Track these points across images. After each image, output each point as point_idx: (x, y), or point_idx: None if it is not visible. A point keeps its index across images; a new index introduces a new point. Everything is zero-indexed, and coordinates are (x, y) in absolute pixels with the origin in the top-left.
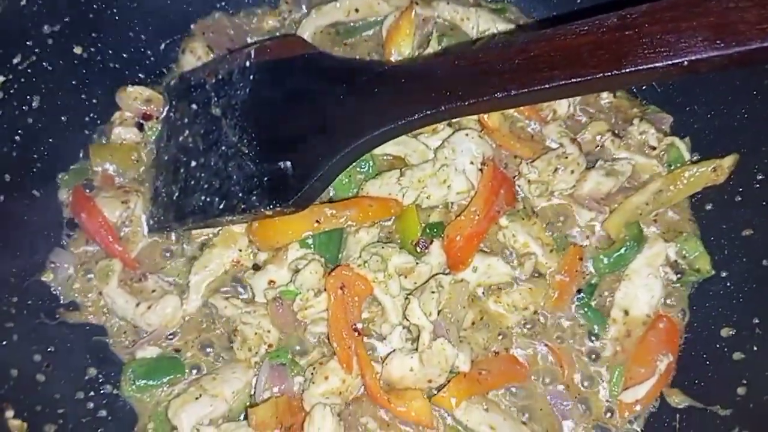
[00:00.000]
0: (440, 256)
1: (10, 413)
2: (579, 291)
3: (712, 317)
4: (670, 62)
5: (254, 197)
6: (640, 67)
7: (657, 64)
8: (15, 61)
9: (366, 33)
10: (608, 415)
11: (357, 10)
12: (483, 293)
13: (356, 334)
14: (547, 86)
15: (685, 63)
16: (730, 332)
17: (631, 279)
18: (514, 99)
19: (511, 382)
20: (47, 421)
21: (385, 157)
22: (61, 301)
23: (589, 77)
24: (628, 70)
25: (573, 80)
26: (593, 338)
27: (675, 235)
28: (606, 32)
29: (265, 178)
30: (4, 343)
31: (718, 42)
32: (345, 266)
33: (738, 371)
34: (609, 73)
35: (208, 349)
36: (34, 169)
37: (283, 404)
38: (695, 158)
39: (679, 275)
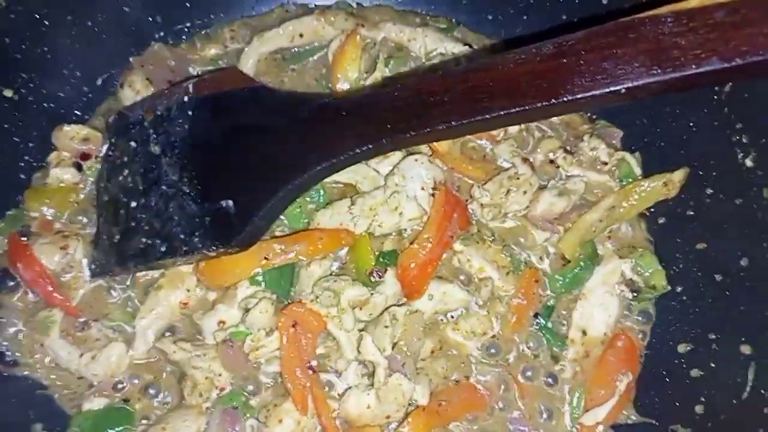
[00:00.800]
0: (395, 286)
1: None
2: (536, 315)
3: (670, 333)
4: (607, 90)
5: (197, 238)
6: (578, 96)
7: (595, 92)
8: None
9: (312, 58)
10: None
11: (301, 35)
12: (441, 319)
13: (311, 372)
14: (487, 116)
15: (623, 90)
16: (688, 348)
17: (588, 298)
18: (455, 129)
19: (471, 412)
20: None
21: (335, 185)
22: (6, 357)
23: (527, 107)
24: (566, 99)
25: (512, 110)
26: (552, 360)
27: (630, 251)
28: (543, 60)
29: (207, 219)
30: None
31: (654, 68)
32: (297, 303)
33: (696, 389)
34: (548, 103)
35: (158, 396)
36: None
37: None
38: (646, 173)
39: (635, 293)
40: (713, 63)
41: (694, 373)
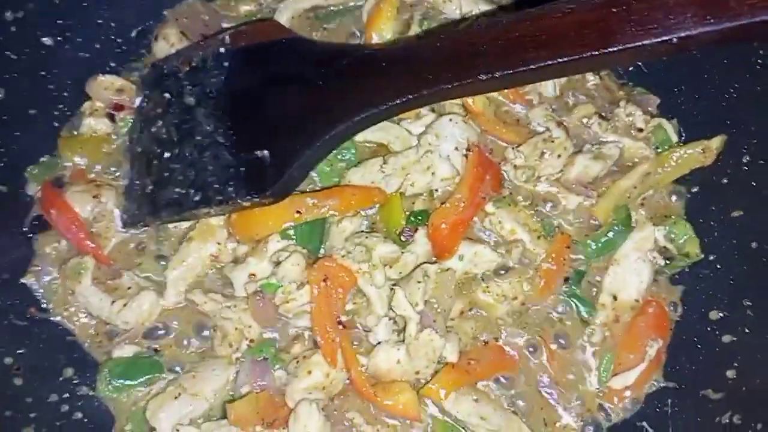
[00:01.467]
0: (425, 245)
1: None
2: (566, 279)
3: (702, 300)
4: (658, 40)
5: (231, 188)
6: (628, 45)
7: (645, 42)
8: None
9: (345, 17)
10: (599, 401)
11: None
12: (472, 281)
13: (341, 327)
14: (533, 67)
15: (674, 40)
16: (720, 315)
17: (620, 263)
18: (499, 81)
19: (500, 372)
20: (20, 426)
21: (367, 145)
22: (35, 300)
23: (575, 57)
24: (615, 48)
25: (559, 60)
26: (582, 325)
27: (664, 219)
28: (592, 10)
29: (242, 168)
30: None
31: (707, 18)
32: (328, 258)
33: (729, 354)
34: (596, 52)
35: (187, 346)
36: (1, 164)
37: (265, 399)
38: (683, 140)
39: (668, 260)
40: None
41: (727, 339)
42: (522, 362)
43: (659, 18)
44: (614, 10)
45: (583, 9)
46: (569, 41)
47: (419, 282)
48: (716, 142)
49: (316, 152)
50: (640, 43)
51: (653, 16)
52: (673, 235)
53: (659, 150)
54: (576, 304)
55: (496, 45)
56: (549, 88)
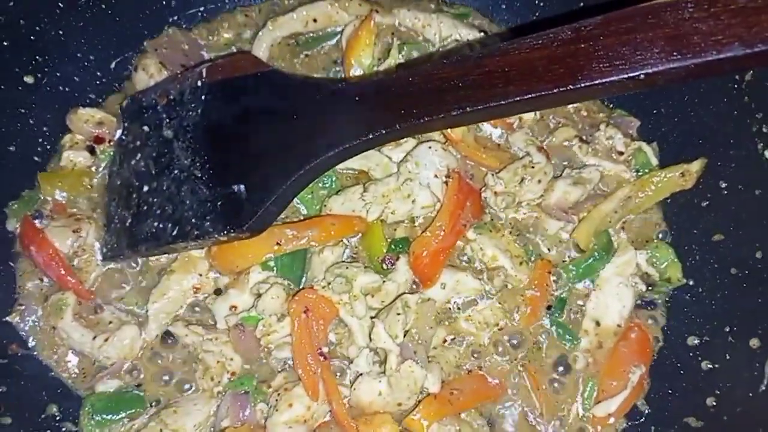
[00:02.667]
0: (407, 273)
1: None
2: (549, 307)
3: (685, 325)
4: (625, 75)
5: (208, 223)
6: (596, 82)
7: (612, 78)
8: None
9: (325, 43)
10: (582, 429)
11: (315, 20)
12: (454, 310)
13: (322, 358)
14: (503, 102)
15: (642, 76)
16: (701, 340)
17: (602, 288)
18: (470, 115)
19: (483, 401)
20: None
21: (348, 172)
22: (18, 337)
23: (544, 92)
24: (583, 84)
25: (528, 96)
26: (564, 353)
27: (645, 243)
28: (560, 45)
29: (219, 203)
30: None
31: (674, 54)
32: (309, 289)
33: (709, 381)
34: (564, 89)
35: (169, 380)
36: None
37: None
38: (663, 163)
39: (650, 286)
40: (735, 49)
41: (707, 365)
42: (504, 390)
43: (627, 54)
44: (582, 45)
45: (551, 44)
46: (538, 77)
47: (399, 314)
48: (696, 166)
49: (292, 186)
50: (608, 79)
51: (621, 52)
52: (655, 260)
53: (640, 173)
54: (559, 332)
55: (467, 80)
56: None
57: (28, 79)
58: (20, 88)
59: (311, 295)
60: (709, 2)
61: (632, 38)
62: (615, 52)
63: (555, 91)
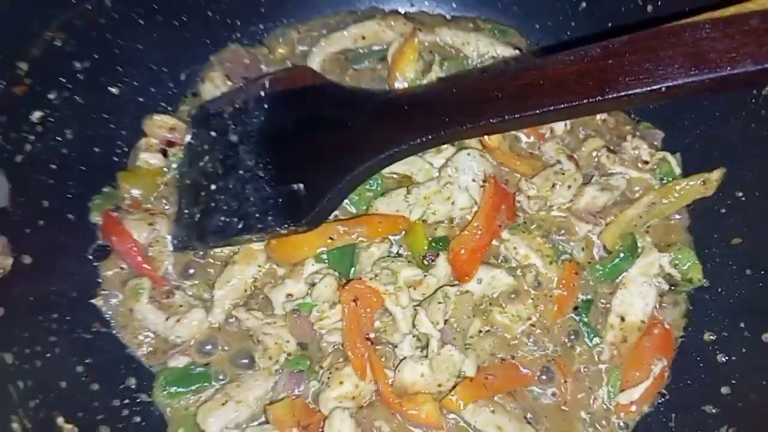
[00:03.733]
0: (446, 269)
1: (60, 419)
2: (576, 308)
3: (704, 322)
4: (648, 88)
5: (270, 217)
6: (622, 93)
7: (637, 90)
8: (51, 96)
9: (373, 59)
10: (606, 415)
11: (364, 38)
12: (489, 304)
13: (369, 342)
14: (537, 111)
15: (663, 89)
16: (719, 336)
17: (627, 287)
18: (507, 123)
19: (515, 387)
20: (89, 427)
21: (392, 176)
22: (100, 317)
23: (575, 103)
24: (610, 96)
25: (560, 106)
26: (590, 348)
27: (668, 246)
28: (590, 61)
29: (280, 200)
30: (48, 355)
31: (692, 69)
32: (357, 280)
33: (725, 373)
34: (593, 99)
35: (232, 358)
36: (68, 195)
37: (300, 405)
38: (686, 172)
39: (672, 286)
40: (747, 65)
41: (723, 358)
42: (535, 378)
43: (650, 69)
44: (610, 61)
45: (582, 60)
46: (570, 89)
47: (440, 303)
48: (716, 175)
49: (345, 186)
50: (632, 92)
51: (644, 68)
52: (677, 262)
53: (664, 181)
54: (585, 331)
55: (505, 91)
56: (560, 123)
57: (113, 90)
58: (106, 97)
59: (360, 285)
60: (724, 23)
61: (655, 55)
62: (639, 67)
63: (585, 101)
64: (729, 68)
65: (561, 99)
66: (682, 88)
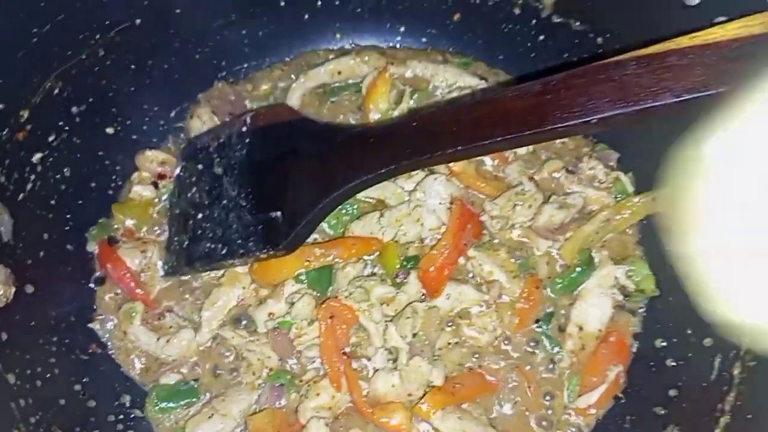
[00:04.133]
0: (417, 286)
1: None
2: (537, 320)
3: (656, 329)
4: (580, 120)
5: (251, 243)
6: (558, 125)
7: (570, 123)
8: (50, 139)
9: (349, 91)
10: (566, 418)
11: (340, 72)
12: (459, 317)
13: (345, 356)
14: (488, 142)
15: (594, 121)
16: (668, 342)
17: (584, 298)
18: (462, 153)
19: (482, 394)
20: None
21: (368, 200)
22: (96, 339)
23: (519, 134)
24: (549, 128)
25: (508, 137)
26: (550, 356)
27: (623, 259)
28: (531, 97)
29: (260, 227)
30: (48, 375)
31: (619, 103)
32: (334, 298)
33: (673, 376)
34: (533, 131)
35: (218, 374)
36: (67, 228)
37: (280, 415)
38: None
39: (626, 296)
40: (667, 98)
41: (671, 363)
42: (500, 385)
43: (582, 103)
44: (548, 97)
45: (524, 96)
46: (515, 121)
47: (408, 318)
48: (666, 193)
49: (319, 212)
50: (567, 124)
51: (577, 102)
52: (631, 273)
53: (618, 199)
54: (546, 341)
55: (459, 124)
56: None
57: (109, 130)
58: (101, 136)
59: (336, 303)
60: (647, 60)
61: (586, 90)
62: (573, 101)
63: (527, 133)
64: (651, 101)
65: (508, 130)
66: (611, 119)
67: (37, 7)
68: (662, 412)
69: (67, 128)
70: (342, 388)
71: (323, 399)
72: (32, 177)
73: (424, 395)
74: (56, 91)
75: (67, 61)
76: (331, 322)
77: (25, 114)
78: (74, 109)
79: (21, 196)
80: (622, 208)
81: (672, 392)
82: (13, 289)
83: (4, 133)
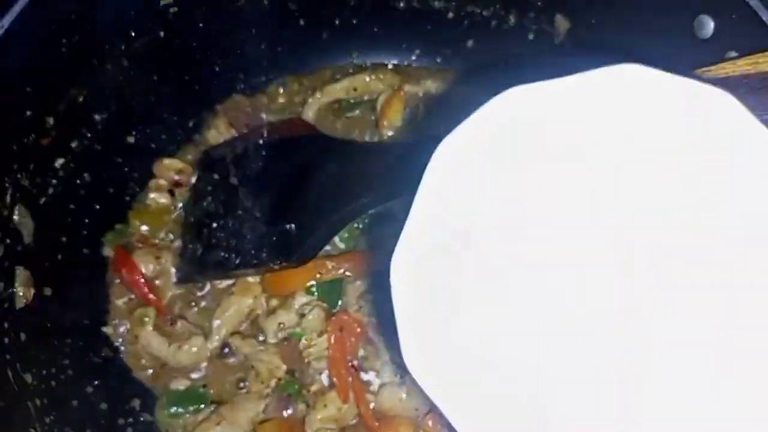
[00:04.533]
0: None
1: None
2: None
3: None
4: None
5: (264, 254)
6: None
7: None
8: (73, 145)
9: (363, 108)
10: None
11: (355, 89)
12: None
13: (353, 369)
14: None
15: None
16: None
17: None
18: None
19: None
20: None
21: None
22: (109, 343)
23: None
24: None
25: None
26: None
27: None
28: None
29: (273, 238)
30: (62, 377)
31: None
32: (343, 311)
33: None
34: None
35: (227, 381)
36: (84, 232)
37: (287, 426)
38: None
39: None
40: None
41: None
42: None
43: None
44: None
45: None
46: None
47: None
48: None
49: (332, 226)
50: None
51: None
52: None
53: None
54: None
55: None
56: None
57: (129, 138)
58: (121, 144)
59: (346, 316)
60: None
61: None
62: None
63: None
64: None
65: None
66: None
67: (67, 18)
68: None
69: (89, 135)
70: (349, 401)
71: (330, 411)
72: (54, 182)
73: (430, 410)
74: (81, 98)
75: (93, 70)
76: (341, 335)
77: (51, 121)
78: (96, 117)
79: (43, 200)
80: None
81: None
82: (33, 291)
83: (30, 138)
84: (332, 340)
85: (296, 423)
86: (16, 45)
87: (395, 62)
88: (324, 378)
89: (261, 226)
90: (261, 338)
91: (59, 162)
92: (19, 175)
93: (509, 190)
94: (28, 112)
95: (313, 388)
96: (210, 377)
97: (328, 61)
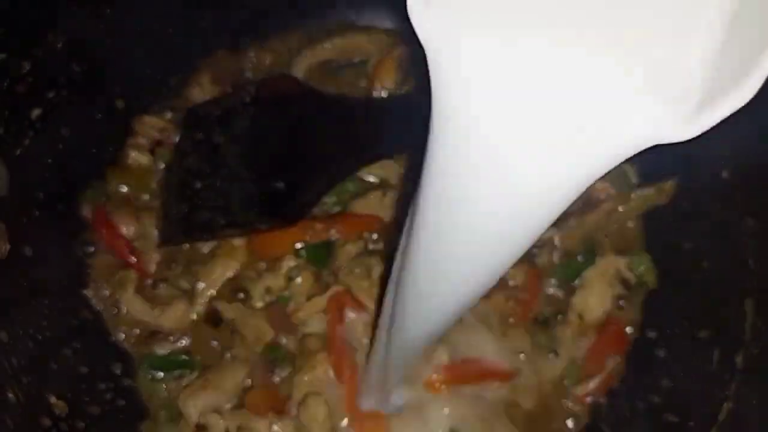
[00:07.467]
0: None
1: (52, 397)
2: (536, 318)
3: (653, 321)
4: None
5: (251, 214)
6: None
7: None
8: (50, 95)
9: (354, 69)
10: (564, 405)
11: (346, 49)
12: None
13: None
14: None
15: None
16: (665, 333)
17: (585, 288)
18: None
19: (490, 380)
20: (78, 406)
21: (370, 179)
22: (94, 307)
23: None
24: None
25: None
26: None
27: (624, 250)
28: None
29: (261, 197)
30: (40, 337)
31: None
32: (343, 290)
33: (667, 366)
34: None
35: (212, 346)
36: (62, 189)
37: (275, 391)
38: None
39: (627, 288)
40: None
41: (663, 353)
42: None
43: None
44: None
45: None
46: None
47: None
48: (669, 185)
49: (322, 185)
50: None
51: None
52: (633, 265)
53: (621, 190)
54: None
55: None
56: None
57: (109, 93)
58: (100, 98)
59: (344, 294)
60: None
61: None
62: None
63: None
64: None
65: None
66: None
67: None
68: (657, 400)
69: (66, 86)
70: (344, 377)
71: (318, 372)
72: (30, 133)
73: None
74: (59, 45)
75: (73, 17)
76: (339, 313)
77: (27, 66)
78: (75, 68)
79: (18, 151)
80: (625, 199)
81: (665, 382)
82: (8, 246)
83: (5, 84)
84: (329, 318)
85: (284, 387)
86: None
87: (388, 23)
88: (312, 342)
89: (249, 185)
90: (247, 302)
91: (35, 113)
92: None
93: None
94: (3, 55)
95: (301, 350)
96: (194, 342)
97: (317, 18)
